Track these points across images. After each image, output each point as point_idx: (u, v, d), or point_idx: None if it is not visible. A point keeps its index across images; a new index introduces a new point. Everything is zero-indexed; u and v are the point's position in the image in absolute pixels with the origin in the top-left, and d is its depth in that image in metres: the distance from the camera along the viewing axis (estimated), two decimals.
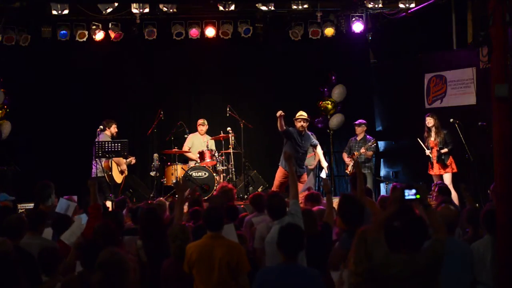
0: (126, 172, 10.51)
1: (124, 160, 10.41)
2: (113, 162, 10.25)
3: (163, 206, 7.16)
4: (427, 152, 10.36)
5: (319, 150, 10.11)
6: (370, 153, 10.96)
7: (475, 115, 10.11)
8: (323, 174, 9.77)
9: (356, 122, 11.24)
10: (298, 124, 9.59)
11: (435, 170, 10.28)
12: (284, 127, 9.42)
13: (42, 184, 6.79)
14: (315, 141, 9.94)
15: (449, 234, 4.71)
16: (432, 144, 10.27)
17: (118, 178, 10.36)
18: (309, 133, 10.04)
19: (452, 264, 4.62)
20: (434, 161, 10.25)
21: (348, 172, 10.94)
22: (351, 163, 10.98)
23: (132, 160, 10.69)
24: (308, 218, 5.47)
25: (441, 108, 11.31)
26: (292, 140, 9.56)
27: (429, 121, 10.32)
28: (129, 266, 3.71)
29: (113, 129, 10.46)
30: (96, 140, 10.15)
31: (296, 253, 4.28)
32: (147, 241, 5.41)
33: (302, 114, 9.73)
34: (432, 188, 7.67)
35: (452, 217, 4.76)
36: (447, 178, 10.17)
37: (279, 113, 9.24)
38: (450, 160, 10.23)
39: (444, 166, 10.20)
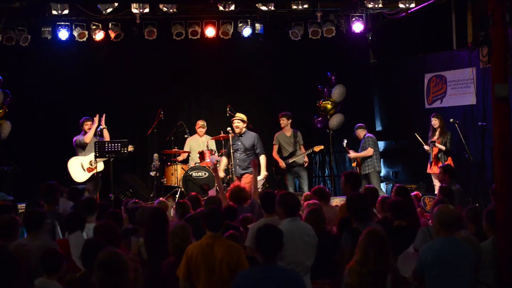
0: (96, 170, 10.25)
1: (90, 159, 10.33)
2: (73, 160, 10.27)
3: (164, 207, 7.18)
4: (426, 147, 10.38)
5: (262, 159, 9.81)
6: (362, 153, 10.90)
7: (475, 115, 10.12)
8: (213, 158, 9.69)
9: (357, 125, 11.24)
10: (234, 126, 9.68)
11: (434, 169, 10.30)
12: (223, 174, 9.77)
13: (48, 185, 6.82)
14: (259, 150, 9.78)
15: (449, 234, 4.71)
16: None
17: (80, 177, 10.28)
18: (254, 134, 9.89)
19: (453, 264, 4.61)
20: (433, 160, 10.27)
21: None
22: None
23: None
24: (316, 216, 5.47)
25: (441, 108, 11.32)
26: (232, 150, 9.67)
27: (435, 122, 10.32)
28: (128, 266, 3.70)
29: (85, 126, 10.43)
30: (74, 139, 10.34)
31: (275, 254, 4.21)
32: (151, 240, 5.42)
33: (238, 115, 9.80)
34: (437, 193, 7.62)
35: (451, 216, 4.73)
36: None
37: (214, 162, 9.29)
38: (448, 161, 10.23)
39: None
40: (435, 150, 10.28)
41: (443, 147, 10.20)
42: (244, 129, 9.76)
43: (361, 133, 11.12)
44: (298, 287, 4.21)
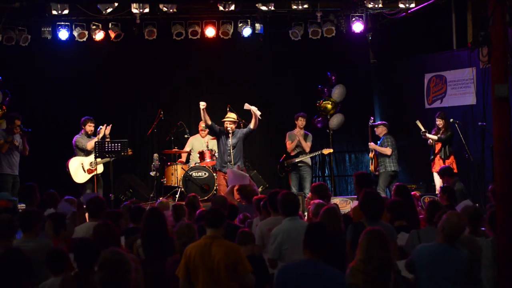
0: (96, 172, 10.24)
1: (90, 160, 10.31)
2: (74, 160, 10.27)
3: (166, 207, 7.20)
4: (428, 135, 10.37)
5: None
6: (384, 149, 10.95)
7: (475, 115, 10.12)
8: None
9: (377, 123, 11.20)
10: (224, 126, 9.91)
11: (437, 167, 10.32)
12: (209, 122, 9.90)
13: (27, 186, 6.82)
14: (244, 129, 10.05)
15: (447, 242, 4.68)
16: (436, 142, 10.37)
17: (80, 178, 10.29)
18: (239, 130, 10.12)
19: (445, 271, 4.59)
20: (437, 157, 10.29)
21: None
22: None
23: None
24: (332, 215, 5.48)
25: (441, 108, 11.31)
26: (219, 137, 9.96)
27: (440, 122, 10.34)
28: (130, 265, 3.71)
29: (88, 127, 10.43)
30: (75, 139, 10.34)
31: (323, 252, 4.25)
32: (148, 240, 5.43)
33: (229, 116, 10.01)
34: (439, 195, 7.63)
35: (454, 229, 4.66)
36: None
37: (202, 105, 9.65)
38: (451, 160, 10.25)
39: (444, 162, 10.21)
40: (438, 147, 10.31)
41: (434, 137, 10.25)
42: (234, 129, 9.96)
43: (382, 130, 11.08)
44: (341, 285, 4.23)
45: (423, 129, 10.45)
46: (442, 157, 10.28)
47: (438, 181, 10.28)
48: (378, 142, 11.03)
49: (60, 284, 4.26)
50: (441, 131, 10.34)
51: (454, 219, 4.71)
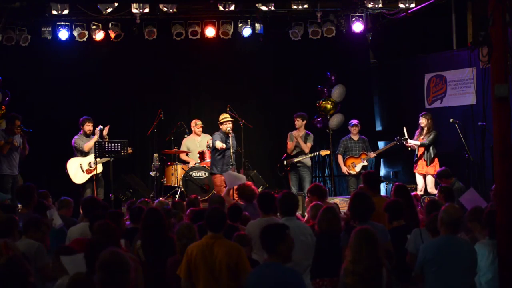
0: (95, 171, 10.24)
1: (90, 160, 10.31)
2: (73, 161, 10.28)
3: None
4: (404, 138, 10.43)
5: None
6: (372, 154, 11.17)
7: (475, 115, 10.12)
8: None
9: (356, 122, 11.23)
10: (225, 127, 9.99)
11: (419, 168, 10.37)
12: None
13: (24, 186, 6.83)
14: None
15: (453, 233, 4.72)
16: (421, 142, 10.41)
17: (79, 178, 10.29)
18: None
19: (452, 262, 4.62)
20: (421, 160, 10.36)
21: (354, 172, 11.03)
22: (362, 163, 10.99)
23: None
24: (331, 215, 5.48)
25: (441, 108, 11.33)
26: (225, 142, 10.02)
27: (422, 121, 10.42)
28: (130, 266, 3.70)
29: (86, 127, 10.43)
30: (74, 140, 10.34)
31: (277, 253, 4.24)
32: (147, 241, 5.43)
33: (227, 116, 10.10)
34: (437, 195, 7.64)
35: (453, 217, 4.75)
36: (430, 181, 10.21)
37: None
38: (435, 163, 10.27)
39: (428, 164, 10.23)
40: (421, 150, 10.34)
41: (417, 143, 10.28)
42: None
43: (357, 131, 11.15)
44: (297, 285, 4.22)
45: (405, 136, 10.45)
46: (426, 159, 10.30)
47: (420, 182, 10.33)
48: (348, 138, 11.27)
49: (68, 284, 4.26)
50: (424, 132, 10.35)
51: (450, 209, 4.81)
